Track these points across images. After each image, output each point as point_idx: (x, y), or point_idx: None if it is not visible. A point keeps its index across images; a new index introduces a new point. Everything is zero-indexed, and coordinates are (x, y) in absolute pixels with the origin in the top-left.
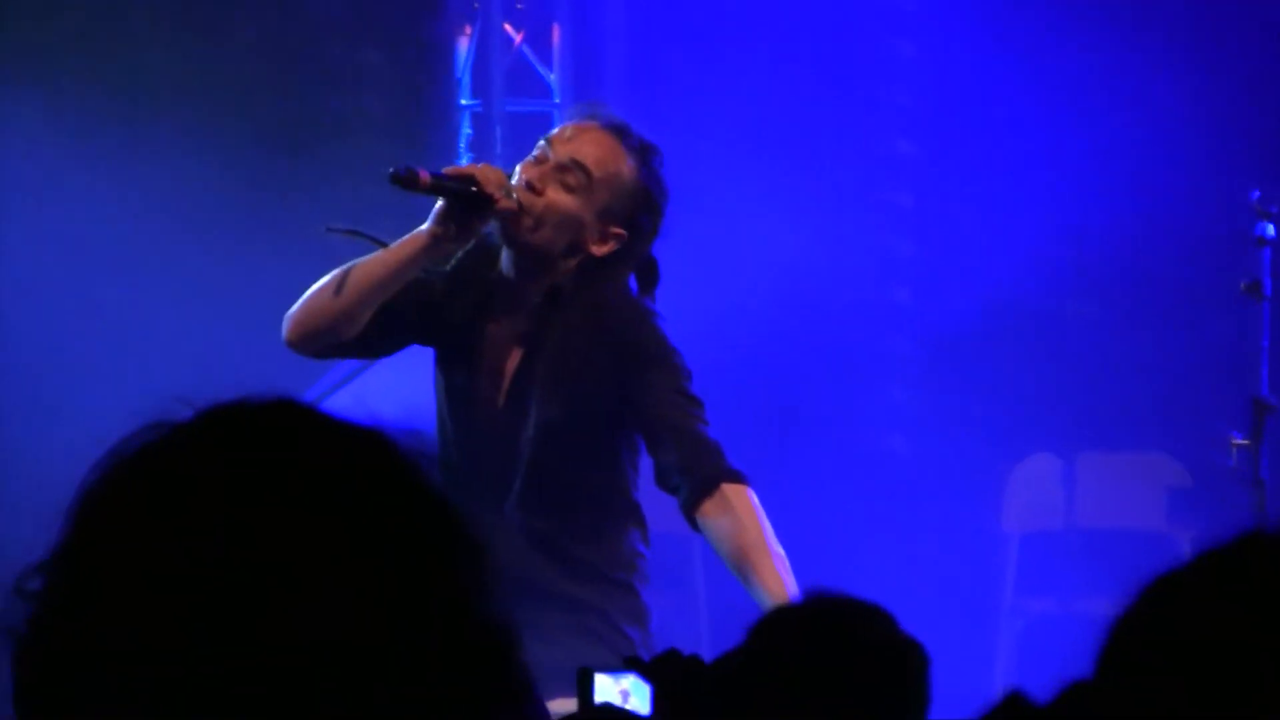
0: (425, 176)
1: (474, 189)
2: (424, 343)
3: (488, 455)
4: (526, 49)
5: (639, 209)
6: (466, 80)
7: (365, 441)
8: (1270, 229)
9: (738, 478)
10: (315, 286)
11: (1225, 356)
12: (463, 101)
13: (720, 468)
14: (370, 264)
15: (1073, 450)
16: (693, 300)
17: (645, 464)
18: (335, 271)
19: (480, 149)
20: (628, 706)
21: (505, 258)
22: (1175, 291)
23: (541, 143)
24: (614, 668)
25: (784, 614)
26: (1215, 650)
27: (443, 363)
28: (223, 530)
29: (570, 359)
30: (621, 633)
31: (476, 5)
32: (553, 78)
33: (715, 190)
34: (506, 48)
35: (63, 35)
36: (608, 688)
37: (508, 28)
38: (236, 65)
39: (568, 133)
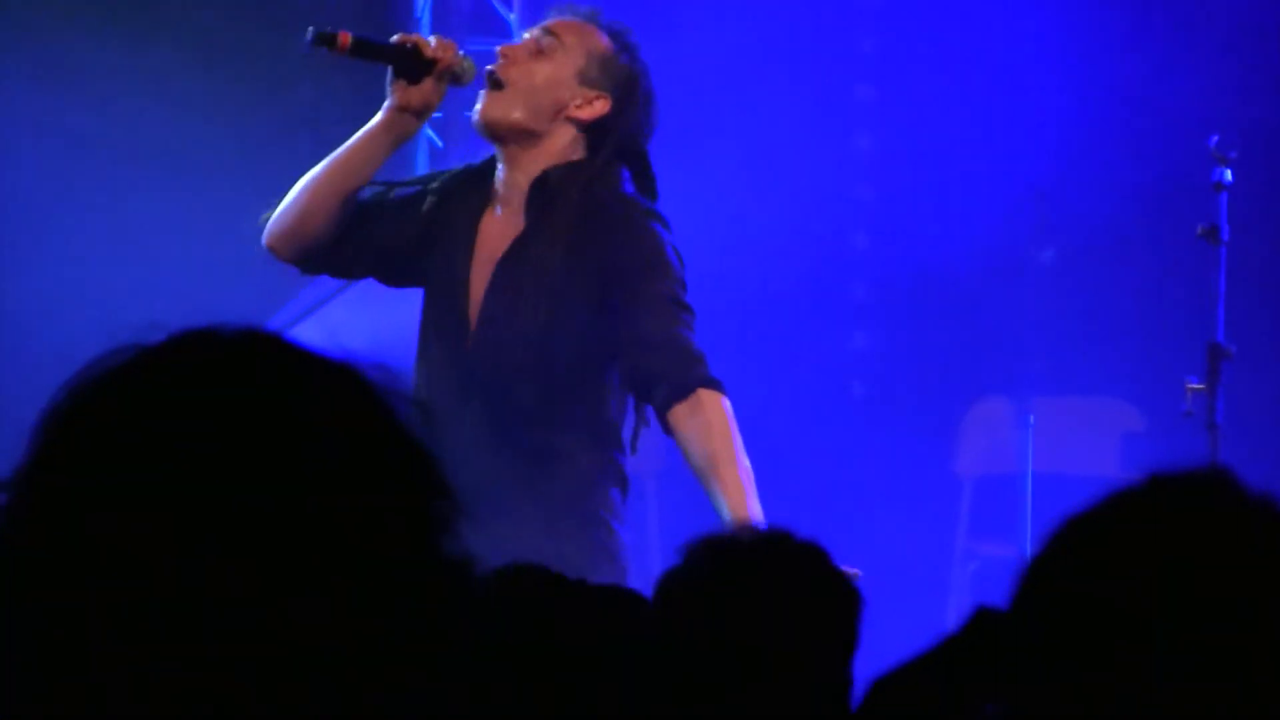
0: (346, 38)
1: (409, 47)
2: (397, 270)
3: (465, 379)
4: None
5: (620, 82)
6: (426, 19)
7: (333, 372)
8: (1227, 174)
9: (715, 385)
10: (294, 187)
11: (1181, 302)
12: None
13: (700, 374)
14: (338, 153)
15: (1028, 395)
16: None
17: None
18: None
19: None
20: None
21: (499, 168)
22: (1132, 238)
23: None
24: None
25: (719, 544)
26: (1113, 587)
27: (428, 290)
28: (185, 453)
29: (555, 267)
30: (598, 570)
31: None
32: (513, 17)
33: (673, 139)
34: None
35: None
36: None
37: None
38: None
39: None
